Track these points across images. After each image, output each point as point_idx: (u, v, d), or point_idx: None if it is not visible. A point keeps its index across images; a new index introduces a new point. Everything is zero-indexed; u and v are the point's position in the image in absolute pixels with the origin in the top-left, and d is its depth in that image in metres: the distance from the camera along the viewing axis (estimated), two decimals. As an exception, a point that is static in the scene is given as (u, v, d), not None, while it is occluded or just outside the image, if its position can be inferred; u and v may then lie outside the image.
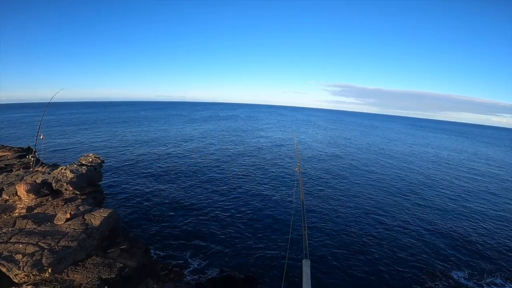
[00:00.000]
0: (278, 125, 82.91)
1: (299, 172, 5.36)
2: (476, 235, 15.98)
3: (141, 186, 20.00)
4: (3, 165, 18.26)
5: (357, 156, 37.25)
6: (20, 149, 23.27)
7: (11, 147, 24.05)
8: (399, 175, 28.36)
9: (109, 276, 6.70)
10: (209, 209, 16.84)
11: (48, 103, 16.28)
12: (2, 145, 25.41)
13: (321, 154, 36.04)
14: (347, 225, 15.93)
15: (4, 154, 22.05)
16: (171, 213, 15.99)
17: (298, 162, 5.68)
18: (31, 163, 14.82)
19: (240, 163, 29.12)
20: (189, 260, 12.10)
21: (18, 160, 19.65)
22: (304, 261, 2.56)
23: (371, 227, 15.82)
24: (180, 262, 11.88)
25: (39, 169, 15.09)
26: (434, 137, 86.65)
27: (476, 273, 12.52)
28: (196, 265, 11.83)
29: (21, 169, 16.76)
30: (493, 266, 13.11)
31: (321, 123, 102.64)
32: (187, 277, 10.91)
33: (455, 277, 12.08)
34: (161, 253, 12.28)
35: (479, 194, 23.95)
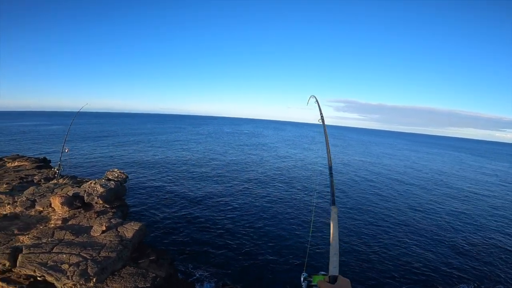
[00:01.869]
0: (285, 141, 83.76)
1: (323, 123, 5.48)
2: (485, 248, 16.35)
3: (154, 199, 20.68)
4: (23, 175, 19.05)
5: (363, 171, 37.80)
6: (37, 160, 24.12)
7: (28, 157, 24.91)
8: (413, 193, 28.77)
9: (144, 286, 7.28)
10: (220, 221, 17.40)
11: (77, 113, 17.31)
12: (18, 155, 26.30)
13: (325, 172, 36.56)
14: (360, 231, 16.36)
15: (22, 164, 22.88)
16: (180, 224, 16.63)
17: (321, 114, 5.78)
18: (56, 175, 15.58)
19: (250, 177, 29.74)
20: (192, 271, 12.41)
21: (37, 170, 20.43)
22: (332, 207, 2.70)
23: (380, 234, 16.21)
24: (185, 272, 12.24)
25: (61, 181, 15.84)
26: (442, 153, 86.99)
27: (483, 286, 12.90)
28: (198, 276, 12.10)
29: (42, 180, 17.56)
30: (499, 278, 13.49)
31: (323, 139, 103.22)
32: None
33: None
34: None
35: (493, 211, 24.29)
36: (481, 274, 14.07)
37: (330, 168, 3.79)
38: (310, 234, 15.74)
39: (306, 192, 26.22)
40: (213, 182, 27.13)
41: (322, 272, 2.07)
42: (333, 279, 1.90)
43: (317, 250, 14.20)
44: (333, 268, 2.05)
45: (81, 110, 18.30)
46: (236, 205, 20.87)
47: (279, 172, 34.00)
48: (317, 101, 6.34)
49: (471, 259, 15.46)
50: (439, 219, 21.71)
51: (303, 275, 2.12)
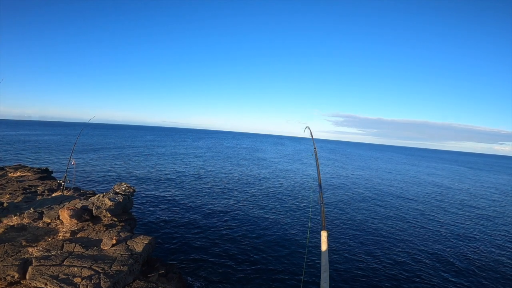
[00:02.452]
0: (284, 156, 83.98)
1: (316, 153, 5.83)
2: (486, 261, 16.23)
3: (155, 212, 20.66)
4: (26, 186, 19.02)
5: (361, 185, 37.79)
6: (39, 170, 24.11)
7: (30, 168, 24.90)
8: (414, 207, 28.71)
9: (155, 301, 7.26)
10: (219, 234, 17.43)
11: (85, 124, 17.55)
12: (20, 165, 26.28)
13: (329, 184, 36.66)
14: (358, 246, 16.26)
15: (24, 174, 22.86)
16: (178, 236, 16.65)
17: (315, 148, 6.18)
18: (61, 187, 15.61)
19: (249, 191, 29.74)
20: (190, 283, 12.27)
21: (41, 181, 20.41)
22: (322, 232, 2.96)
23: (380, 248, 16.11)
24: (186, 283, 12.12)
25: (66, 193, 15.85)
26: (441, 167, 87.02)
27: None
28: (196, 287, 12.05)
29: (46, 192, 17.54)
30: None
31: (324, 154, 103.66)
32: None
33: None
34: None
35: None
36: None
37: (321, 197, 4.12)
38: (306, 250, 15.75)
39: (307, 207, 26.26)
40: (213, 195, 27.24)
41: None
42: None
43: (314, 268, 14.20)
44: (324, 283, 2.30)
45: (87, 122, 18.58)
46: (235, 218, 21.04)
47: (279, 186, 34.06)
48: (311, 133, 6.64)
49: (468, 274, 15.36)
50: (438, 233, 21.65)
51: None
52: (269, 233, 18.66)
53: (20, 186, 18.73)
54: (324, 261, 2.56)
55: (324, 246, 2.80)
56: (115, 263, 7.71)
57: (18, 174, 23.07)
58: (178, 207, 22.59)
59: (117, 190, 12.27)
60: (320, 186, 4.74)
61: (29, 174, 22.91)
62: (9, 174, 22.84)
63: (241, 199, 26.64)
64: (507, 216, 30.12)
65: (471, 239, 21.31)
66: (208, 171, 41.63)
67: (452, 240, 20.68)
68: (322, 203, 3.94)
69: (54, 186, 18.78)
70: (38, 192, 17.36)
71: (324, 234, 2.97)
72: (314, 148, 6.17)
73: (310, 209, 24.76)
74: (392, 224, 22.94)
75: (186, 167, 43.37)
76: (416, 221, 24.65)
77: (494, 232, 23.79)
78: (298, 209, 25.04)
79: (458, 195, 40.71)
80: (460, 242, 20.43)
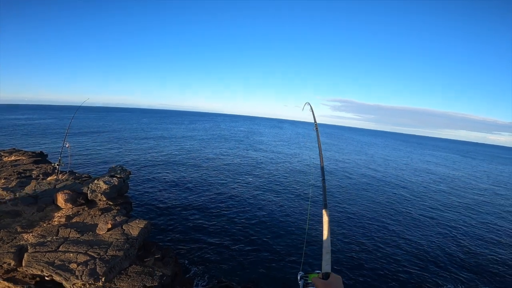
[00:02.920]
0: (282, 140, 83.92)
1: (317, 129, 5.71)
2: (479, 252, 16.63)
3: (152, 195, 20.65)
4: (21, 170, 18.82)
5: (357, 170, 38.11)
6: (33, 154, 23.82)
7: (25, 151, 24.60)
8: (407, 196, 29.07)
9: (152, 284, 7.28)
10: (216, 219, 17.53)
11: (78, 107, 17.22)
12: (14, 149, 25.95)
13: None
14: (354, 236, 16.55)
15: (19, 158, 22.59)
16: (175, 220, 16.74)
17: (315, 123, 5.86)
18: (56, 170, 15.41)
19: (247, 176, 29.77)
20: (188, 267, 12.48)
21: (35, 165, 20.19)
22: (324, 210, 2.88)
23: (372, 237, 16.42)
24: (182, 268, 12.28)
25: (61, 176, 15.67)
26: (436, 155, 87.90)
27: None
28: (192, 273, 12.21)
29: (41, 176, 17.36)
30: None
31: (322, 139, 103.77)
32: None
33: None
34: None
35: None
36: (469, 274, 14.32)
37: (323, 173, 3.95)
38: (306, 233, 15.95)
39: (302, 190, 26.43)
40: (211, 178, 27.22)
41: (318, 271, 2.17)
42: (326, 276, 2.03)
43: (313, 250, 14.38)
44: (326, 265, 2.21)
45: (81, 105, 18.17)
46: (233, 200, 21.18)
47: (277, 171, 34.13)
48: (311, 109, 6.41)
49: (459, 260, 15.73)
50: (429, 219, 22.04)
51: (299, 274, 2.21)
52: (266, 214, 18.79)
53: (15, 171, 18.49)
54: (326, 242, 2.46)
55: (325, 226, 2.67)
56: (110, 248, 7.68)
57: (13, 158, 22.77)
58: (175, 190, 22.60)
59: (112, 173, 12.12)
60: (321, 161, 4.45)
61: (23, 158, 22.62)
62: (4, 159, 22.55)
63: (239, 181, 26.71)
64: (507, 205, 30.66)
65: (464, 224, 21.75)
66: (205, 154, 41.56)
67: (444, 223, 21.08)
68: (323, 178, 3.71)
69: (49, 170, 18.58)
70: (33, 176, 17.17)
71: (326, 213, 2.84)
72: (315, 123, 5.80)
73: (310, 191, 24.92)
74: (387, 209, 23.25)
75: (182, 150, 43.23)
76: (411, 206, 25.03)
77: (486, 220, 24.23)
78: (296, 191, 25.22)
79: (453, 182, 41.28)
80: (452, 228, 20.83)
